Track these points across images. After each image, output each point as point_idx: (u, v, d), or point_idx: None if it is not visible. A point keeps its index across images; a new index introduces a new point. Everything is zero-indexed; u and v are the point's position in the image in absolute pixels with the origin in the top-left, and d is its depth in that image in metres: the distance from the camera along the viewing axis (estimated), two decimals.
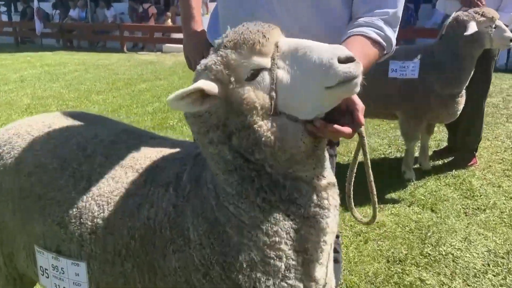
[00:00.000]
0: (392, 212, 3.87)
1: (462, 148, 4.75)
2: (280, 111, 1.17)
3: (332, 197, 1.30)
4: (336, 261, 2.00)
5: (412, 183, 4.38)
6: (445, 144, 5.31)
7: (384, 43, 1.52)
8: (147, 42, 15.40)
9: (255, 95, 1.16)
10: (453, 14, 3.96)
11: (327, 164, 1.32)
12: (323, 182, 1.28)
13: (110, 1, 17.30)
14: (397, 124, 6.13)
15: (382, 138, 5.76)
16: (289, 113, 1.17)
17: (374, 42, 1.50)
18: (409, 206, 3.96)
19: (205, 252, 1.28)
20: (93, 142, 1.64)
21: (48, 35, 17.06)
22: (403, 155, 5.14)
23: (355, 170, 1.39)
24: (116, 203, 1.45)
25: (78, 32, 16.98)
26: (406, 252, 3.27)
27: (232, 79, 1.18)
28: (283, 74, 1.16)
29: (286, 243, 1.24)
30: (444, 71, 3.98)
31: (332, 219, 1.30)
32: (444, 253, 3.25)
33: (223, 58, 1.19)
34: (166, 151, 1.58)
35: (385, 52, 1.56)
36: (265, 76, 1.17)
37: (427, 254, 3.23)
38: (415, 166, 4.64)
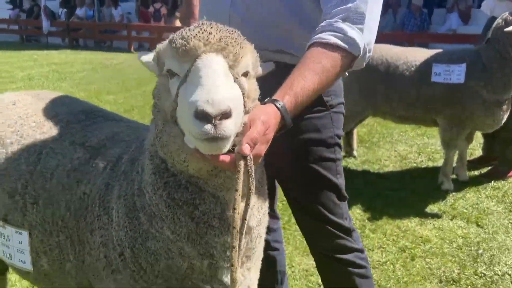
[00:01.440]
0: (435, 226, 3.61)
1: (500, 159, 4.50)
2: (178, 123, 1.18)
3: (248, 216, 1.23)
4: (365, 276, 1.94)
5: (451, 195, 4.12)
6: (477, 153, 5.06)
7: (345, 45, 1.41)
8: (155, 42, 15.12)
9: (163, 94, 1.22)
10: (503, 15, 3.70)
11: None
12: (233, 198, 1.22)
13: (117, 0, 17.07)
14: (424, 131, 5.94)
15: (410, 145, 5.50)
16: (181, 129, 1.17)
17: (335, 47, 1.41)
18: (451, 220, 3.71)
19: (121, 234, 1.36)
20: (52, 121, 1.75)
21: (54, 34, 16.81)
22: (435, 164, 4.92)
23: (238, 224, 1.18)
24: (59, 176, 1.55)
25: (84, 31, 16.75)
26: (459, 271, 3.01)
27: (159, 66, 1.26)
28: (183, 90, 1.13)
29: (187, 244, 1.27)
30: (491, 76, 3.73)
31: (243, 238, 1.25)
32: (500, 273, 2.99)
33: (161, 45, 1.25)
34: (118, 132, 1.67)
35: (355, 54, 1.44)
36: (175, 83, 1.17)
37: (482, 274, 2.97)
38: (452, 176, 4.38)
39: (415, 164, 4.95)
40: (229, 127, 1.06)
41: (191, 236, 1.27)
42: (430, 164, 4.95)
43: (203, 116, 1.03)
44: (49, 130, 1.71)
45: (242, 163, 1.13)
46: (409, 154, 5.22)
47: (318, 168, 1.78)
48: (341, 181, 1.85)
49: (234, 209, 1.14)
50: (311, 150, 1.77)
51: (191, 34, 1.15)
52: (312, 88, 1.35)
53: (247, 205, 1.19)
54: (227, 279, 1.35)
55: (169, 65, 1.19)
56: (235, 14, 1.67)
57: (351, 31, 1.42)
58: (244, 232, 1.22)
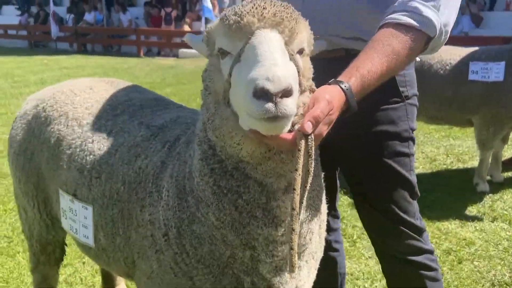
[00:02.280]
0: (477, 228, 3.51)
1: None
2: (230, 104, 1.13)
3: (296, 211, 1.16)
4: (436, 279, 1.82)
5: (488, 196, 4.02)
6: (507, 154, 4.96)
7: (419, 25, 1.33)
8: (164, 46, 15.12)
9: (215, 75, 1.18)
10: None
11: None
12: (281, 187, 1.20)
13: (125, 5, 17.07)
14: (449, 132, 5.84)
15: (437, 147, 5.41)
16: (235, 111, 1.12)
17: (407, 27, 1.33)
18: (492, 222, 3.60)
19: (169, 214, 1.35)
20: (125, 104, 1.82)
21: (62, 39, 16.81)
22: (465, 165, 4.82)
23: (298, 204, 1.12)
24: (122, 152, 1.60)
25: (93, 36, 16.74)
26: (510, 274, 2.90)
27: (209, 46, 1.21)
28: (236, 70, 1.08)
29: (231, 232, 1.24)
30: None
31: (287, 229, 1.20)
32: None
33: (212, 24, 1.19)
34: (182, 116, 1.69)
35: (431, 35, 1.35)
36: (227, 63, 1.12)
37: None
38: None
39: (445, 166, 4.86)
40: (291, 105, 1.00)
41: (235, 225, 1.24)
42: (460, 165, 4.86)
43: (262, 94, 0.97)
44: (122, 112, 1.78)
45: (303, 141, 1.07)
46: (437, 155, 5.12)
47: (392, 163, 1.69)
48: (414, 177, 1.76)
49: (294, 189, 1.09)
50: (386, 144, 1.68)
51: (244, 10, 1.09)
52: (379, 71, 1.28)
53: (304, 187, 1.13)
54: (268, 274, 1.30)
55: (220, 43, 1.14)
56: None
57: (426, 10, 1.34)
58: (299, 218, 1.16)
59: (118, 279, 2.62)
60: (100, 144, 1.68)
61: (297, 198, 1.10)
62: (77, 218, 1.71)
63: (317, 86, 1.24)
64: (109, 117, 1.77)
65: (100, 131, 1.72)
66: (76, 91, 1.94)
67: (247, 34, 1.07)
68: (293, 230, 1.11)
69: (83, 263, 3.00)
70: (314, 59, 1.28)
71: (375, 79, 1.27)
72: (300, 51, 1.16)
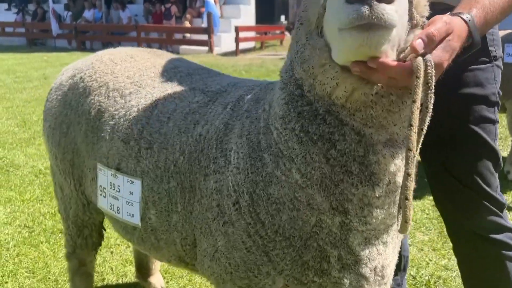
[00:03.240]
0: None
1: None
2: (323, 34, 0.97)
3: (396, 168, 1.04)
4: None
5: None
6: None
7: None
8: (165, 43, 14.94)
9: (308, 3, 1.03)
10: None
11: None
12: (382, 140, 1.02)
13: (124, 3, 16.87)
14: None
15: None
16: (328, 42, 0.96)
17: None
18: None
19: (240, 178, 1.19)
20: (171, 72, 1.68)
21: (60, 36, 16.57)
22: None
23: (414, 152, 0.94)
24: (176, 119, 1.45)
25: (93, 33, 16.53)
26: None
27: None
28: None
29: (319, 192, 1.06)
30: None
31: (386, 195, 1.06)
32: None
33: None
34: (240, 81, 1.56)
35: None
36: None
37: None
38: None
39: None
40: (390, 11, 0.82)
41: (324, 182, 1.06)
42: None
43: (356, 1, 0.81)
44: (168, 79, 1.64)
45: (420, 64, 0.88)
46: None
47: (479, 130, 1.55)
48: (498, 147, 1.62)
49: (411, 125, 0.91)
50: (473, 108, 1.54)
51: None
52: (501, 4, 1.12)
53: (420, 130, 0.94)
54: (358, 247, 1.13)
55: None
56: None
57: None
58: (415, 161, 0.96)
59: (153, 268, 2.46)
60: (147, 112, 1.52)
61: (414, 136, 0.92)
62: (120, 194, 1.53)
63: None
64: (155, 84, 1.63)
65: (146, 99, 1.57)
66: (116, 60, 1.80)
67: None
68: (409, 175, 0.93)
69: (111, 252, 2.85)
70: None
71: (497, 12, 1.11)
72: None
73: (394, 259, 1.29)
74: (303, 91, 1.06)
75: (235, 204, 1.20)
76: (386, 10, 0.81)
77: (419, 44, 0.91)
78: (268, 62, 11.75)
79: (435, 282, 2.59)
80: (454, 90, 1.51)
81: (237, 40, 13.89)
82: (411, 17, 0.95)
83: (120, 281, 2.60)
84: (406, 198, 0.95)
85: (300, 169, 1.07)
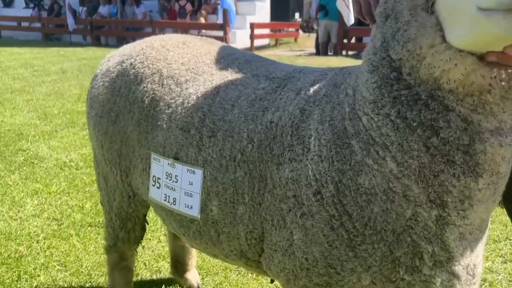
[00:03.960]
0: None
1: None
2: (435, 10, 0.88)
3: (501, 158, 0.96)
4: None
5: None
6: None
7: None
8: None
9: None
10: None
11: None
12: (490, 128, 0.94)
13: None
14: None
15: None
16: (441, 20, 0.87)
17: None
18: None
19: (322, 166, 1.11)
20: (228, 59, 1.60)
21: (76, 32, 16.62)
22: None
23: None
24: (241, 106, 1.37)
25: (108, 29, 16.55)
26: None
27: None
28: None
29: (417, 183, 0.98)
30: None
31: (488, 186, 0.97)
32: None
33: None
34: (306, 68, 1.46)
35: None
36: None
37: None
38: None
39: None
40: None
41: (423, 172, 0.98)
42: None
43: None
44: (226, 66, 1.56)
45: None
46: None
47: None
48: None
49: None
50: None
51: None
52: None
53: None
54: (453, 243, 1.05)
55: None
56: None
57: None
58: None
59: (189, 264, 2.39)
60: (208, 99, 1.45)
61: None
62: (177, 185, 1.46)
63: None
64: (213, 71, 1.55)
65: (204, 86, 1.50)
66: (168, 46, 1.71)
67: None
68: None
69: (143, 247, 2.78)
70: None
71: None
72: None
73: (481, 258, 1.21)
74: (401, 73, 0.97)
75: (316, 195, 1.12)
76: None
77: None
78: (285, 59, 11.64)
79: (481, 286, 2.49)
80: None
81: (252, 37, 13.84)
82: None
83: (154, 277, 2.53)
84: None
85: (396, 158, 0.99)
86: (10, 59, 11.16)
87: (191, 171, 1.39)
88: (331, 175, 1.09)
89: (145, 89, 1.60)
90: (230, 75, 1.50)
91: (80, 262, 2.61)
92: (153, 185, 1.54)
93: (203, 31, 14.89)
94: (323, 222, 1.12)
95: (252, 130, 1.30)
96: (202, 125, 1.41)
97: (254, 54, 1.72)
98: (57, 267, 2.56)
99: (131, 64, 1.68)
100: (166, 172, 1.46)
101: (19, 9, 20.30)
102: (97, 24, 16.46)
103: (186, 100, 1.49)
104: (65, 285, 2.41)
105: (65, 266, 2.57)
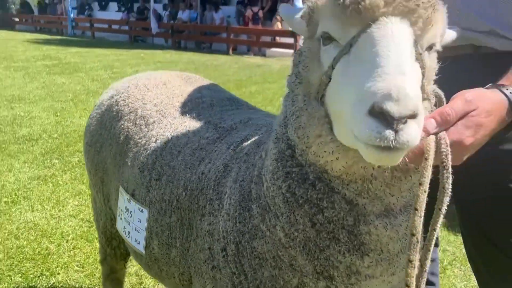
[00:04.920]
0: None
1: None
2: (324, 103, 0.91)
3: (389, 238, 0.98)
4: None
5: None
6: None
7: None
8: (253, 45, 15.27)
9: (311, 63, 0.95)
10: None
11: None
12: (375, 211, 0.96)
13: (218, 4, 17.52)
14: None
15: None
16: (329, 113, 0.91)
17: None
18: None
19: (229, 225, 1.16)
20: (194, 102, 1.71)
21: (159, 35, 17.70)
22: None
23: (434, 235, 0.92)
24: (185, 154, 1.46)
25: (187, 33, 17.41)
26: None
27: (309, 26, 0.95)
28: (343, 64, 0.85)
29: (302, 255, 1.01)
30: None
31: (376, 264, 0.99)
32: None
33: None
34: (253, 118, 1.53)
35: None
36: (331, 52, 0.88)
37: None
38: None
39: None
40: (415, 133, 0.74)
41: (308, 245, 1.01)
42: None
43: (380, 116, 0.72)
44: (190, 109, 1.65)
45: (430, 145, 0.84)
46: None
47: None
48: None
49: (416, 210, 0.86)
50: None
51: None
52: None
53: (438, 210, 0.89)
54: None
55: (326, 27, 0.88)
56: None
57: None
58: (431, 247, 0.92)
59: None
60: (163, 143, 1.55)
61: (418, 221, 0.87)
62: (131, 220, 1.58)
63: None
64: (176, 114, 1.65)
65: (165, 129, 1.60)
66: (150, 86, 1.84)
67: (366, 20, 0.81)
68: (410, 261, 0.88)
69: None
70: None
71: None
72: (430, 47, 0.90)
73: None
74: (295, 152, 1.01)
75: (223, 251, 1.17)
76: (412, 133, 0.73)
77: (429, 124, 0.86)
78: None
79: None
80: (494, 145, 1.35)
81: None
82: (422, 89, 0.87)
83: (157, 287, 2.71)
84: (407, 286, 0.89)
85: (284, 228, 1.03)
86: (95, 60, 12.23)
87: (140, 209, 1.51)
88: (234, 235, 1.14)
89: (122, 126, 1.73)
90: (187, 120, 1.59)
91: (96, 265, 2.86)
92: (118, 216, 1.68)
93: (277, 38, 15.10)
94: (227, 278, 1.17)
95: (187, 179, 1.37)
96: (152, 168, 1.51)
97: (225, 97, 1.79)
98: (76, 267, 2.84)
99: (116, 100, 1.84)
100: (125, 207, 1.60)
101: (112, 12, 22.09)
102: (178, 29, 17.38)
103: (148, 142, 1.59)
104: (77, 286, 2.68)
105: (83, 267, 2.85)
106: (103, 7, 23.18)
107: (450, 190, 0.88)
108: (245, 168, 1.21)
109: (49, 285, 2.67)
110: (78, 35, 21.21)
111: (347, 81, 0.82)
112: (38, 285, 2.66)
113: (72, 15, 21.53)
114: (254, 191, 1.12)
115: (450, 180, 0.87)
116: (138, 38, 19.29)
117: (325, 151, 0.93)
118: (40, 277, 2.72)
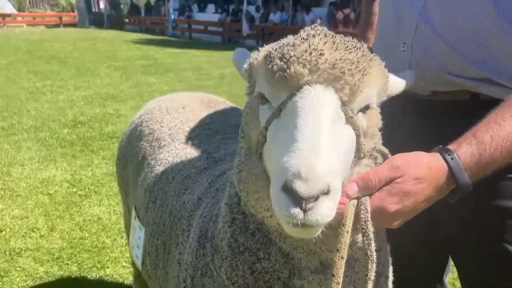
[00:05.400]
0: None
1: None
2: (263, 160, 0.93)
3: None
4: None
5: None
6: None
7: None
8: None
9: (251, 119, 0.97)
10: None
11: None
12: (311, 267, 0.98)
13: (310, 6, 17.47)
14: None
15: None
16: (266, 170, 0.92)
17: None
18: None
19: (188, 258, 1.22)
20: (201, 128, 1.78)
21: (250, 37, 18.18)
22: None
23: None
24: (176, 181, 1.52)
25: (277, 35, 17.63)
26: None
27: (250, 82, 0.99)
28: (274, 127, 0.87)
29: None
30: None
31: None
32: None
33: (257, 56, 0.95)
34: None
35: None
36: (266, 112, 0.90)
37: None
38: None
39: None
40: (326, 211, 0.76)
41: None
42: None
43: (291, 193, 0.74)
44: (195, 136, 1.73)
45: (350, 209, 0.84)
46: None
47: None
48: None
49: (333, 276, 0.85)
50: (509, 224, 1.24)
51: (294, 55, 0.83)
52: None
53: (365, 276, 0.87)
54: None
55: (261, 87, 0.91)
56: (425, 24, 1.24)
57: None
58: None
59: None
60: (164, 168, 1.63)
61: (336, 287, 0.86)
62: (135, 235, 1.72)
63: (428, 143, 0.98)
64: (183, 140, 1.72)
65: (169, 154, 1.68)
66: (170, 109, 1.94)
67: (292, 88, 0.84)
68: None
69: None
70: (418, 100, 1.06)
71: (505, 150, 0.93)
72: (366, 107, 0.90)
73: None
74: (240, 200, 1.04)
75: (184, 282, 1.23)
76: (321, 212, 0.75)
77: (351, 189, 0.86)
78: None
79: None
80: (486, 202, 1.24)
81: None
82: (358, 149, 0.89)
83: None
84: None
85: (227, 271, 1.06)
86: (186, 61, 12.95)
87: (140, 228, 1.64)
88: (191, 268, 1.19)
89: (141, 146, 1.85)
90: (189, 147, 1.66)
91: None
92: (131, 230, 1.82)
93: None
94: None
95: (173, 206, 1.45)
96: (152, 190, 1.61)
97: (234, 125, 1.78)
98: (123, 263, 3.09)
99: (141, 120, 1.98)
100: (133, 223, 1.74)
101: (210, 14, 23.15)
102: (268, 31, 17.68)
103: (155, 164, 1.69)
104: (120, 280, 2.92)
105: (130, 264, 3.09)
106: (202, 9, 24.39)
107: (374, 256, 0.86)
108: (211, 205, 1.26)
109: (98, 277, 2.94)
110: (178, 35, 22.59)
111: (275, 146, 0.85)
112: (89, 276, 2.95)
113: (172, 17, 23.01)
114: (210, 230, 1.17)
115: (372, 247, 0.85)
116: (231, 40, 20.00)
117: (261, 207, 0.96)
118: (92, 269, 3.01)
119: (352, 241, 0.94)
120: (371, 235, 0.86)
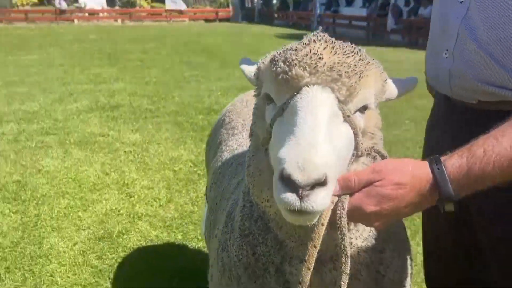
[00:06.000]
0: None
1: None
2: (269, 154, 1.01)
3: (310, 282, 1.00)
4: None
5: None
6: None
7: None
8: None
9: (259, 118, 1.08)
10: None
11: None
12: (300, 256, 1.04)
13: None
14: None
15: None
16: (271, 165, 0.99)
17: None
18: None
19: (218, 234, 1.38)
20: None
21: (395, 31, 17.38)
22: None
23: None
24: (233, 167, 1.67)
25: (426, 30, 16.51)
26: None
27: (257, 85, 1.10)
28: (278, 124, 0.96)
29: (244, 275, 1.16)
30: None
31: None
32: None
33: (264, 60, 1.06)
34: None
35: None
36: (271, 111, 0.99)
37: None
38: None
39: None
40: (321, 200, 0.84)
41: (249, 269, 1.16)
42: None
43: (289, 182, 0.83)
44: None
45: (330, 209, 0.92)
46: None
47: None
48: None
49: (304, 261, 0.98)
50: None
51: (295, 58, 0.93)
52: (508, 156, 0.89)
53: (341, 271, 0.95)
54: None
55: (267, 89, 1.01)
56: (468, 32, 1.20)
57: None
58: None
59: None
60: (228, 154, 1.81)
61: (305, 271, 0.98)
62: (205, 208, 1.94)
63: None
64: (245, 134, 1.85)
65: (236, 142, 1.84)
66: (250, 102, 2.07)
67: (293, 89, 0.93)
68: None
69: None
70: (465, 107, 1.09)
71: (498, 166, 0.91)
72: (363, 108, 0.97)
73: None
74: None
75: (216, 253, 1.38)
76: (317, 199, 0.83)
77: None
78: None
79: None
80: None
81: None
82: (356, 147, 0.97)
83: None
84: None
85: (236, 250, 1.20)
86: None
87: (205, 205, 1.86)
88: (218, 243, 1.35)
89: (221, 132, 2.08)
90: (241, 148, 1.80)
91: (156, 253, 3.22)
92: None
93: None
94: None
95: (225, 188, 1.62)
96: (215, 172, 1.81)
97: None
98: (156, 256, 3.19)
99: (227, 110, 2.21)
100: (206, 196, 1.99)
101: (357, 8, 22.72)
102: (417, 25, 16.67)
103: (225, 150, 1.89)
104: (132, 271, 3.09)
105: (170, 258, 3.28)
106: (349, 3, 24.06)
107: (348, 250, 0.93)
108: (234, 200, 1.39)
109: (197, 247, 3.29)
110: (322, 30, 22.62)
111: (277, 141, 0.94)
112: (189, 246, 3.32)
113: (318, 11, 23.19)
114: (233, 212, 1.32)
115: (346, 242, 0.93)
116: (376, 35, 19.40)
117: (263, 198, 1.07)
118: (193, 239, 3.39)
119: (333, 238, 0.99)
120: (345, 231, 0.93)
